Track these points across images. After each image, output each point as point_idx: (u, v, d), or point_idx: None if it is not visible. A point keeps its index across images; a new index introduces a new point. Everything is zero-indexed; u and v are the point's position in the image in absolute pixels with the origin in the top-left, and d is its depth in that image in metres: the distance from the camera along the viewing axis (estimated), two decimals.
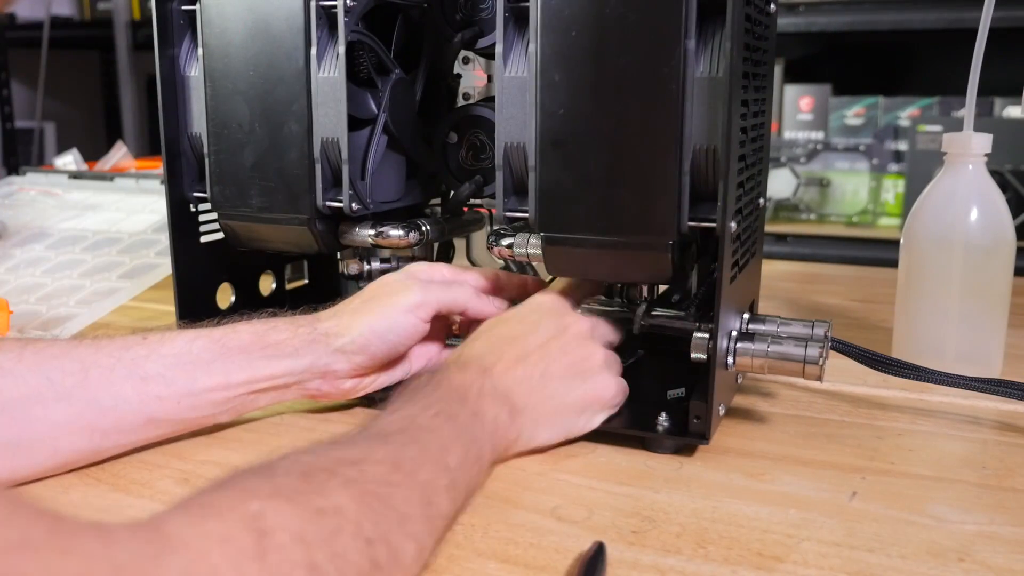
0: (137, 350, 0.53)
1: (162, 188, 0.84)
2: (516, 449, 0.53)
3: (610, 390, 0.56)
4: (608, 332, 0.60)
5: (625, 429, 0.56)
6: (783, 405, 0.64)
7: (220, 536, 0.29)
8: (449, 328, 0.66)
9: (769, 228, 1.39)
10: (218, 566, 0.28)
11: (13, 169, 2.16)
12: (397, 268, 0.71)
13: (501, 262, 0.72)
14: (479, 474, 0.47)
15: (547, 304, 0.59)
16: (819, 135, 1.65)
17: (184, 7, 0.67)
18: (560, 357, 0.55)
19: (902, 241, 0.72)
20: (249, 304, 0.76)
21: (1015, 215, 0.75)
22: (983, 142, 0.68)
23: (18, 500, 0.25)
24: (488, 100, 0.70)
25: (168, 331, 0.55)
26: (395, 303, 0.58)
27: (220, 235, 0.70)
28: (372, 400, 0.62)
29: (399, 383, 0.61)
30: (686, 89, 0.51)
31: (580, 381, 0.55)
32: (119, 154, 1.39)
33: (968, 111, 0.67)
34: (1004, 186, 1.38)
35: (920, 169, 1.47)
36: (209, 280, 0.73)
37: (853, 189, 1.63)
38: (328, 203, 0.64)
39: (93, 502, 0.49)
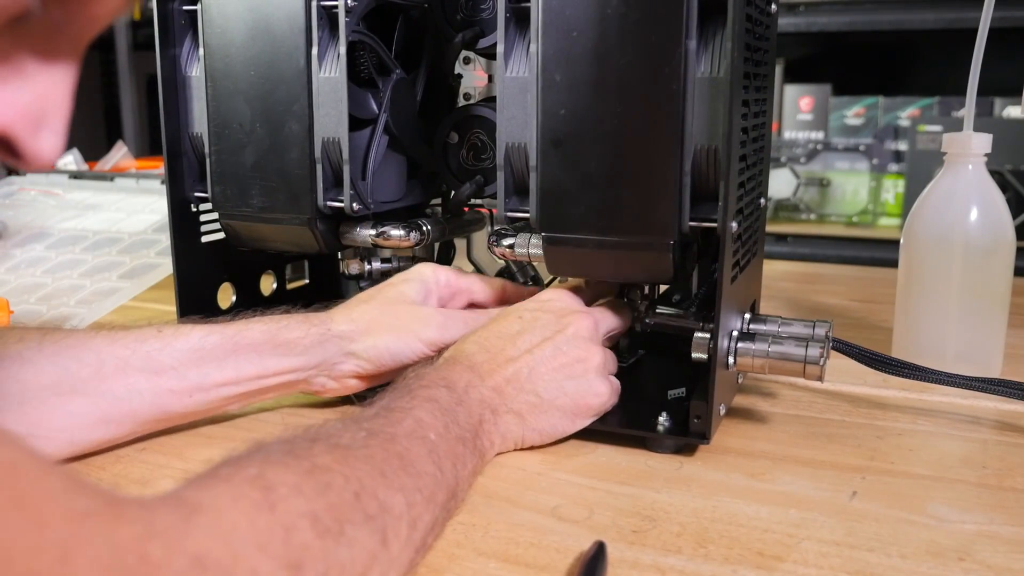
0: (152, 343, 0.54)
1: (162, 188, 0.84)
2: (505, 444, 0.53)
3: (600, 397, 0.55)
4: (614, 323, 0.59)
5: (625, 429, 0.56)
6: (784, 405, 0.64)
7: (231, 496, 0.32)
8: None
9: (769, 228, 1.39)
10: (236, 520, 0.31)
11: (13, 169, 2.16)
12: (398, 268, 0.72)
13: (502, 262, 0.72)
14: (465, 455, 0.47)
15: (552, 301, 0.58)
16: (819, 135, 1.65)
17: (185, 7, 0.67)
18: (552, 359, 0.54)
19: (902, 241, 0.72)
20: (250, 304, 0.76)
21: (1015, 215, 0.75)
22: (983, 142, 0.68)
23: (76, 475, 0.28)
24: (489, 100, 0.70)
25: (183, 325, 0.56)
26: (413, 331, 0.59)
27: (221, 235, 0.70)
28: (362, 397, 0.61)
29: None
30: (687, 89, 0.52)
31: (571, 384, 0.54)
32: (119, 154, 1.39)
33: (968, 111, 0.67)
34: (1004, 186, 1.38)
35: (920, 169, 1.47)
36: (210, 280, 0.73)
37: (853, 189, 1.63)
38: (329, 203, 0.65)
39: None
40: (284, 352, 0.57)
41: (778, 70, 1.65)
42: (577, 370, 0.55)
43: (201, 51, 0.65)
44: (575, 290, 0.60)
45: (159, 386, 0.53)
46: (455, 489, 0.45)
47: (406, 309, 0.60)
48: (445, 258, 0.80)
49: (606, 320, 0.59)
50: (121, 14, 0.29)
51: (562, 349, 0.55)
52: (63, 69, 0.29)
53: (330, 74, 0.62)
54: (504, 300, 0.65)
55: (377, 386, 0.61)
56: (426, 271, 0.64)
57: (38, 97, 0.28)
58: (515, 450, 0.55)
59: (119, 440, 0.54)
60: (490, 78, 0.74)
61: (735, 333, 0.56)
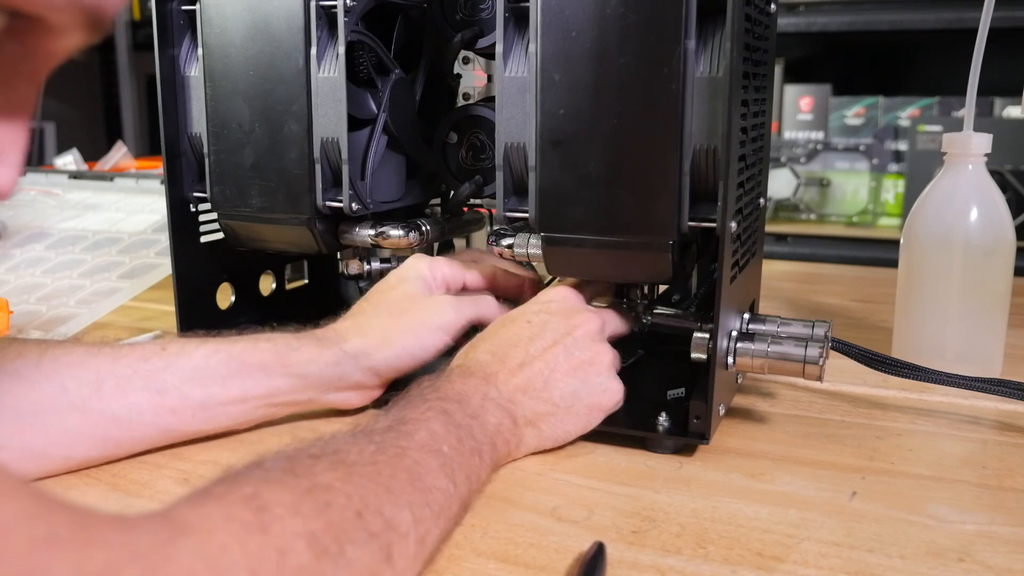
0: (155, 361, 0.53)
1: (162, 188, 0.84)
2: (519, 454, 0.53)
3: (615, 396, 0.55)
4: (619, 325, 0.59)
5: (625, 429, 0.56)
6: (783, 405, 0.64)
7: (223, 516, 0.31)
8: None
9: (769, 228, 1.39)
10: (225, 543, 0.30)
11: None
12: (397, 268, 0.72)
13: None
14: (480, 468, 0.47)
15: (557, 302, 0.58)
16: (819, 135, 1.65)
17: (184, 7, 0.67)
18: (565, 361, 0.54)
19: (902, 241, 0.72)
20: (249, 304, 0.76)
21: (1015, 215, 0.75)
22: (983, 142, 0.68)
23: (43, 495, 0.26)
24: (488, 100, 0.70)
25: (188, 342, 0.55)
26: (428, 322, 0.59)
27: (220, 235, 0.70)
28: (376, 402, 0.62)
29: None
30: (686, 89, 0.51)
31: (584, 387, 0.54)
32: (119, 154, 1.39)
33: (968, 111, 0.67)
34: (1004, 186, 1.38)
35: (920, 169, 1.47)
36: (209, 280, 0.73)
37: (853, 189, 1.63)
38: (328, 203, 0.64)
39: (93, 502, 0.49)
40: (294, 373, 0.56)
41: (778, 70, 1.65)
42: (590, 372, 0.55)
43: (200, 51, 0.65)
44: (577, 287, 0.60)
45: (161, 406, 0.52)
46: (467, 501, 0.45)
47: (415, 305, 0.60)
48: None
49: (612, 321, 0.59)
50: (79, 49, 0.28)
51: (573, 353, 0.55)
52: (20, 104, 0.28)
53: (329, 74, 0.62)
54: (495, 286, 0.66)
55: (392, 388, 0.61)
56: (422, 267, 0.63)
57: None
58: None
59: (118, 457, 0.53)
60: (489, 78, 0.74)
61: (734, 333, 0.56)
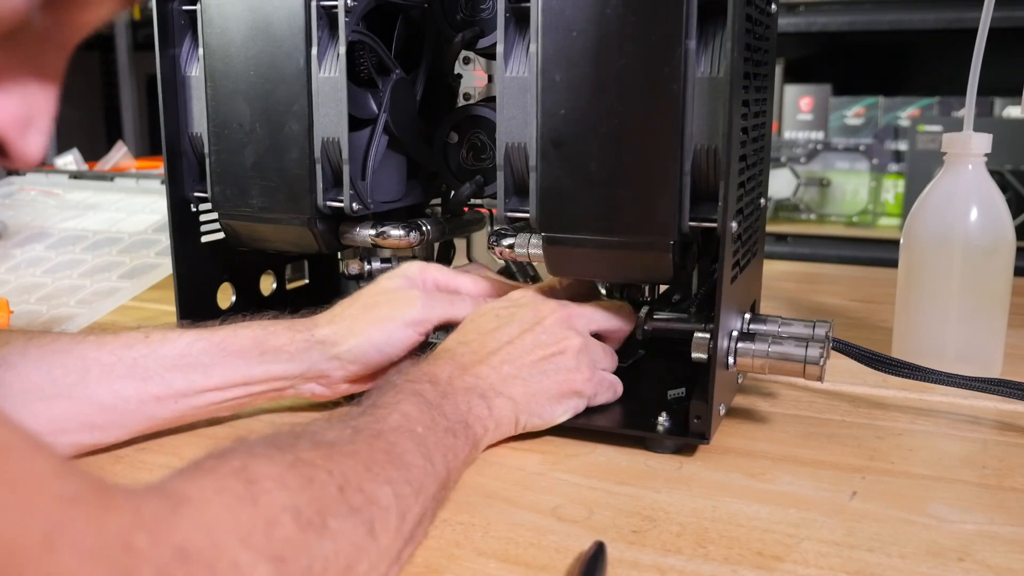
0: (139, 348, 0.54)
1: (162, 188, 0.84)
2: (497, 434, 0.54)
3: (578, 380, 0.56)
4: (599, 320, 0.59)
5: (625, 429, 0.56)
6: (783, 405, 0.64)
7: (215, 488, 0.32)
8: None
9: (769, 228, 1.39)
10: (219, 514, 0.31)
11: (13, 169, 2.15)
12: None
13: (502, 262, 0.72)
14: (456, 446, 0.47)
15: (525, 297, 0.59)
16: (819, 135, 1.65)
17: (185, 7, 0.67)
18: (532, 349, 0.55)
19: (902, 241, 0.72)
20: (250, 304, 0.76)
21: (1015, 215, 0.75)
22: (983, 142, 0.68)
23: (69, 461, 0.28)
24: (489, 100, 0.70)
25: (171, 331, 0.56)
26: (396, 316, 0.58)
27: (221, 235, 0.70)
28: (350, 398, 0.61)
29: None
30: (687, 89, 0.52)
31: (552, 370, 0.55)
32: (119, 154, 1.39)
33: (968, 111, 0.67)
34: (1004, 186, 1.38)
35: (920, 169, 1.47)
36: (210, 280, 0.73)
37: (853, 189, 1.63)
38: (329, 203, 0.65)
39: None
40: (270, 359, 0.57)
41: (778, 70, 1.65)
42: (558, 357, 0.55)
43: (201, 51, 0.65)
44: (548, 290, 0.61)
45: (145, 392, 0.53)
46: (446, 480, 0.45)
47: (386, 299, 0.60)
48: (445, 258, 0.80)
49: (584, 314, 0.59)
50: (108, 20, 0.29)
51: (541, 338, 0.56)
52: (50, 73, 0.30)
53: (330, 74, 0.62)
54: (490, 295, 0.65)
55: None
56: (412, 269, 0.63)
57: (26, 102, 0.29)
58: (517, 435, 0.55)
59: (106, 444, 0.54)
60: (490, 78, 0.74)
61: (735, 333, 0.56)
